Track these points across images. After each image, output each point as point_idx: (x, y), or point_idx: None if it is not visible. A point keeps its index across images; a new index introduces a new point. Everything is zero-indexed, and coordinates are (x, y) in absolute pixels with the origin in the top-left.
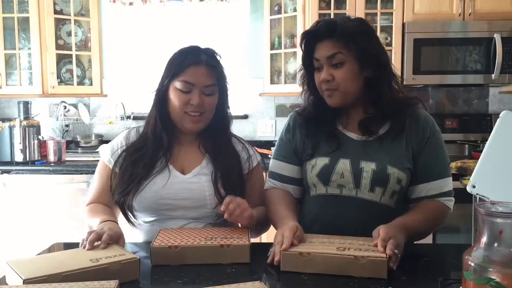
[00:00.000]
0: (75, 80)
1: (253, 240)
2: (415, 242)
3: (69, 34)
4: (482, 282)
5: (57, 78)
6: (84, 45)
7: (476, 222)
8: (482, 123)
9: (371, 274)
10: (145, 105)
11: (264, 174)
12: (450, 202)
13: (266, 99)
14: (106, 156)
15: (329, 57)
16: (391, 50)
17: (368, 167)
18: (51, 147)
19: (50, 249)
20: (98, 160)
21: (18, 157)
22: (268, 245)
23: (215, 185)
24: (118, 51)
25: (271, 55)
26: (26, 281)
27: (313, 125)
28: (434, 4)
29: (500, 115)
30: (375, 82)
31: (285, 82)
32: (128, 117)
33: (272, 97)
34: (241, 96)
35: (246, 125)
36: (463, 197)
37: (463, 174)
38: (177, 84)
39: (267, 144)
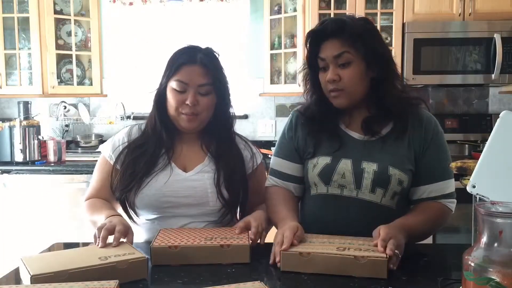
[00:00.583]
0: (75, 80)
1: None
2: (415, 243)
3: (69, 34)
4: (482, 282)
5: (57, 78)
6: (84, 45)
7: (476, 222)
8: (482, 123)
9: (371, 274)
10: (145, 105)
11: (265, 173)
12: (452, 204)
13: (266, 99)
14: (107, 151)
15: (336, 57)
16: (391, 50)
17: (370, 168)
18: (51, 147)
19: (50, 249)
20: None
21: (18, 157)
22: (269, 245)
23: (217, 187)
24: (118, 51)
25: (271, 55)
26: (33, 277)
27: (315, 124)
28: (434, 4)
29: (500, 115)
30: (380, 82)
31: (285, 82)
32: (128, 117)
33: (272, 97)
34: (241, 96)
35: (246, 125)
36: (463, 197)
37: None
38: (173, 83)
39: (267, 144)
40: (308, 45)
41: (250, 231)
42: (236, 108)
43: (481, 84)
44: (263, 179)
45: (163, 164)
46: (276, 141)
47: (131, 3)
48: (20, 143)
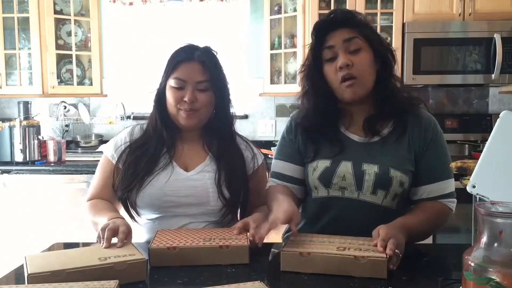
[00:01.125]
0: (75, 80)
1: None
2: (415, 242)
3: (69, 34)
4: (482, 282)
5: (57, 78)
6: (84, 45)
7: (476, 222)
8: (482, 123)
9: (371, 274)
10: (145, 105)
11: (267, 174)
12: (452, 203)
13: (266, 99)
14: (109, 151)
15: (346, 41)
16: (394, 50)
17: (371, 170)
18: (51, 147)
19: (50, 249)
20: (98, 160)
21: (18, 157)
22: (269, 245)
23: (218, 187)
24: (118, 51)
25: (271, 55)
26: (30, 276)
27: (314, 132)
28: (434, 4)
29: (500, 115)
30: (383, 80)
31: (285, 82)
32: (128, 117)
33: (272, 97)
34: (241, 96)
35: (246, 125)
36: (463, 197)
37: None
38: (171, 81)
39: (267, 144)
40: (314, 36)
41: (248, 233)
42: (236, 108)
43: (481, 84)
44: (264, 180)
45: (165, 163)
46: (276, 141)
47: (131, 3)
48: (20, 143)
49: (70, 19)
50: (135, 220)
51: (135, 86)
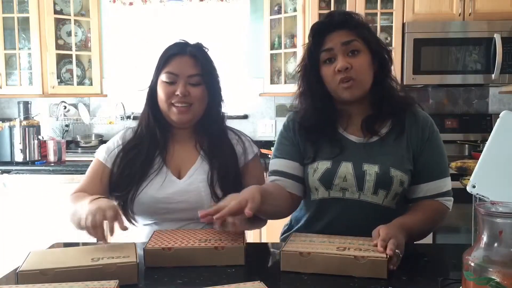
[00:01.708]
0: (75, 80)
1: (252, 240)
2: (415, 242)
3: (69, 34)
4: (482, 282)
5: (57, 78)
6: (84, 45)
7: (476, 222)
8: (482, 123)
9: (371, 274)
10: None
11: (264, 173)
12: (449, 202)
13: (266, 99)
14: (101, 155)
15: (344, 43)
16: (391, 50)
17: (371, 170)
18: (51, 147)
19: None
20: None
21: (18, 157)
22: (268, 246)
23: (211, 187)
24: (118, 51)
25: (271, 55)
26: (20, 273)
27: (312, 133)
28: (434, 4)
29: (500, 115)
30: (381, 80)
31: (285, 82)
32: (128, 117)
33: (272, 97)
34: (241, 96)
35: (246, 125)
36: (463, 197)
37: (463, 174)
38: (163, 76)
39: (267, 144)
40: (312, 37)
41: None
42: (236, 108)
43: (481, 84)
44: (258, 175)
45: (158, 166)
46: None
47: (131, 3)
48: (20, 143)
49: (70, 19)
50: (134, 224)
51: (135, 86)
